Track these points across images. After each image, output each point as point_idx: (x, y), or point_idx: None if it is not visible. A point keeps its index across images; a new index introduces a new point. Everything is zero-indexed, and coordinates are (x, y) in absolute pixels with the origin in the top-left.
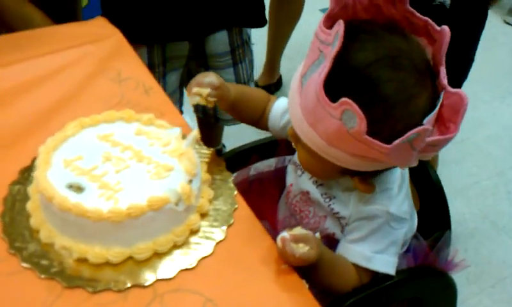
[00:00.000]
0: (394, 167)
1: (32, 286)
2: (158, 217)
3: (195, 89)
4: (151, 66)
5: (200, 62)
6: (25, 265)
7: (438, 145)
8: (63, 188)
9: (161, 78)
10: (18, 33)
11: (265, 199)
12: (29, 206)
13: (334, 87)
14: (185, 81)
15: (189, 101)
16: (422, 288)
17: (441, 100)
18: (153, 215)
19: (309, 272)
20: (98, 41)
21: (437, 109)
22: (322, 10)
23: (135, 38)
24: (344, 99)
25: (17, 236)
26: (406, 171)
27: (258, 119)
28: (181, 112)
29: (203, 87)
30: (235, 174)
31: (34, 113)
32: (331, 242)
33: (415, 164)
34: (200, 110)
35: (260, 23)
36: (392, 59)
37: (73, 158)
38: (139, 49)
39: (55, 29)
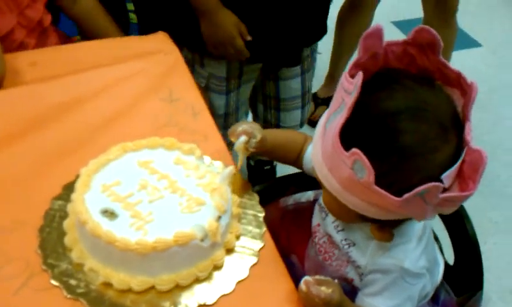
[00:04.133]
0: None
1: (57, 305)
2: (183, 252)
3: (241, 139)
4: (228, 79)
5: (271, 76)
6: (54, 282)
7: (455, 201)
8: (97, 213)
9: (235, 89)
10: (73, 45)
11: (298, 231)
12: (66, 223)
13: (352, 135)
14: (257, 90)
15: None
16: None
17: (463, 156)
18: (178, 249)
19: None
20: (156, 58)
21: (458, 164)
22: (395, 23)
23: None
24: (354, 150)
25: (51, 252)
26: (429, 222)
27: (295, 161)
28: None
29: (246, 133)
30: (279, 200)
31: (84, 127)
32: (349, 287)
33: (431, 217)
34: None
35: (323, 32)
36: (415, 110)
37: (112, 183)
38: (219, 61)
39: (115, 41)
